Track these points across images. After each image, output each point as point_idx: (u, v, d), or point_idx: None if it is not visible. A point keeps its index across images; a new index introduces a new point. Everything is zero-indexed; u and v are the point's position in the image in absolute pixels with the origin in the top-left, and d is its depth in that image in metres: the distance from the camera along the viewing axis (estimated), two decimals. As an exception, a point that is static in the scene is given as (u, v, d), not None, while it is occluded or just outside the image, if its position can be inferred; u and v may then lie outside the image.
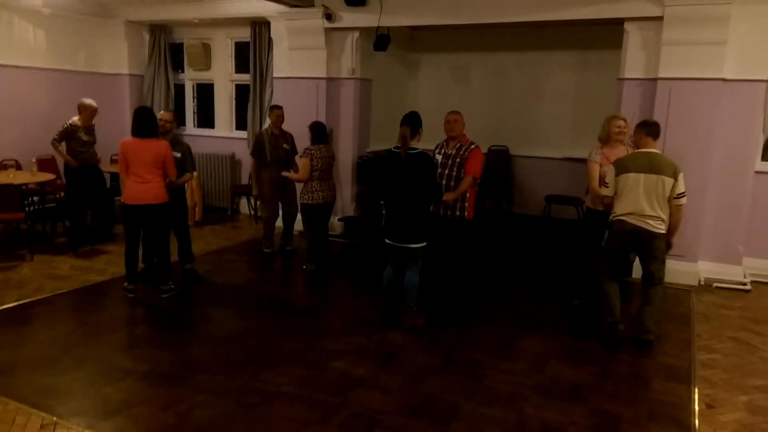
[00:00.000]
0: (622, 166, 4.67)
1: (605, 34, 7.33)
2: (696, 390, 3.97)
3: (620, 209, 4.64)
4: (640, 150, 4.71)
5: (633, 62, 6.54)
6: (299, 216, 6.61)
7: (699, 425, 3.52)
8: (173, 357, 4.30)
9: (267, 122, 7.61)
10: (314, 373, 4.08)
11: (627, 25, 6.50)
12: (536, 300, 5.83)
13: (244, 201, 9.39)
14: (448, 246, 5.38)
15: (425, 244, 4.78)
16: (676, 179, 4.46)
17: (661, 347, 4.67)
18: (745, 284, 6.28)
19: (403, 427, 3.43)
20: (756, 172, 6.33)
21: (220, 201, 9.46)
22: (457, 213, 5.32)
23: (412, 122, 4.69)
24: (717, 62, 6.04)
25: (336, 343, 4.60)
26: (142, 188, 5.21)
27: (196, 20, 9.05)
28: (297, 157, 6.86)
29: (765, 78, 6.10)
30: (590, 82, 8.18)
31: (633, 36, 6.49)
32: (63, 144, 7.08)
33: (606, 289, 4.81)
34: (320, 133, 6.33)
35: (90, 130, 7.33)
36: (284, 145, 6.91)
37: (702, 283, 6.37)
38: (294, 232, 7.24)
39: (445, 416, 3.55)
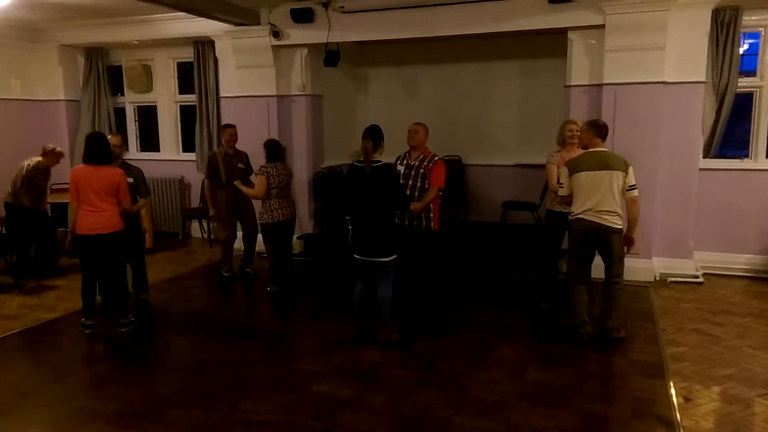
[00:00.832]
0: (574, 167, 4.82)
1: (550, 43, 7.54)
2: (671, 384, 4.08)
3: (577, 207, 4.78)
4: (590, 150, 4.86)
5: (578, 69, 6.75)
6: (260, 236, 6.45)
7: (681, 419, 3.61)
8: (143, 393, 4.07)
9: (218, 143, 7.42)
10: (296, 397, 3.96)
11: (570, 34, 6.71)
12: (505, 306, 5.88)
13: (195, 225, 9.12)
14: (416, 257, 5.37)
15: (395, 257, 4.75)
16: (626, 172, 4.64)
17: (632, 344, 4.79)
18: (697, 277, 6.56)
19: (396, 446, 3.37)
20: (700, 169, 6.64)
21: (171, 226, 9.14)
22: (423, 224, 5.32)
23: (374, 135, 4.66)
24: (658, 66, 6.32)
25: (313, 364, 4.49)
26: (95, 218, 4.95)
27: (135, 42, 8.77)
28: (253, 176, 6.71)
29: (702, 79, 6.43)
30: (537, 90, 8.40)
31: (577, 44, 6.71)
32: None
33: (570, 291, 4.91)
34: (275, 150, 6.21)
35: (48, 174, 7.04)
36: (239, 165, 6.75)
37: (657, 278, 6.61)
38: (254, 254, 7.07)
39: (437, 431, 3.51)
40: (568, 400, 3.89)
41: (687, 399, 3.88)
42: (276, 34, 7.60)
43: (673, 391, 3.98)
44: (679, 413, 3.68)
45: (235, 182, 6.34)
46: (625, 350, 4.69)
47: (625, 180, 4.64)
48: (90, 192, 4.93)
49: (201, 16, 7.27)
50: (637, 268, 6.48)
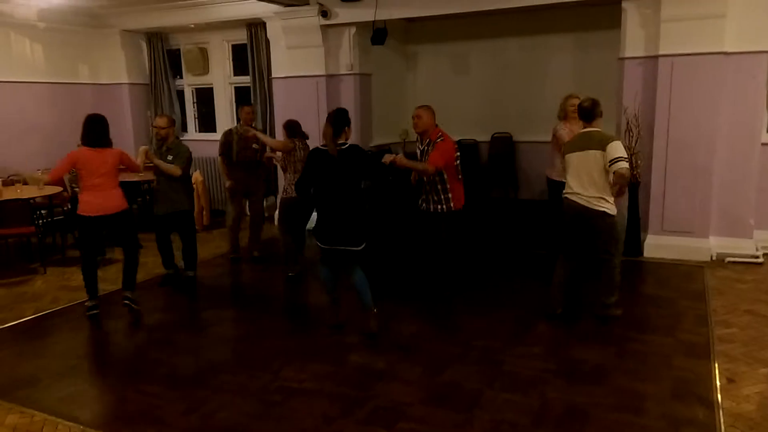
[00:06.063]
0: (566, 148, 4.77)
1: (603, 15, 7.31)
2: (716, 365, 3.97)
3: (567, 188, 4.70)
4: (581, 131, 4.71)
5: (633, 41, 6.51)
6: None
7: (722, 400, 3.52)
8: (193, 359, 4.33)
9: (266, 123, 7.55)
10: (334, 367, 4.09)
11: (625, 4, 6.46)
12: (546, 284, 5.78)
13: (250, 203, 9.40)
14: (426, 239, 5.25)
15: (365, 245, 4.49)
16: (603, 149, 4.38)
17: (679, 324, 4.67)
18: (757, 257, 6.26)
19: (427, 416, 3.44)
20: (763, 144, 6.30)
21: (227, 204, 9.43)
22: (438, 206, 5.07)
23: (336, 122, 4.35)
24: (717, 36, 6.02)
25: (351, 337, 4.61)
26: (102, 201, 4.93)
27: (191, 25, 9.05)
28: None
29: (766, 49, 6.07)
30: (590, 64, 8.15)
31: (631, 14, 6.46)
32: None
33: (556, 267, 4.86)
34: (296, 129, 6.10)
35: None
36: (254, 145, 6.58)
37: (714, 258, 6.35)
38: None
39: (468, 403, 3.56)
40: (606, 378, 3.85)
41: (730, 380, 3.76)
42: (324, 14, 7.67)
43: (717, 372, 3.87)
44: (721, 394, 3.58)
45: (255, 133, 6.35)
46: (672, 330, 4.57)
47: (604, 157, 4.38)
48: (96, 176, 4.90)
49: (252, -2, 7.45)
50: (692, 247, 6.28)
